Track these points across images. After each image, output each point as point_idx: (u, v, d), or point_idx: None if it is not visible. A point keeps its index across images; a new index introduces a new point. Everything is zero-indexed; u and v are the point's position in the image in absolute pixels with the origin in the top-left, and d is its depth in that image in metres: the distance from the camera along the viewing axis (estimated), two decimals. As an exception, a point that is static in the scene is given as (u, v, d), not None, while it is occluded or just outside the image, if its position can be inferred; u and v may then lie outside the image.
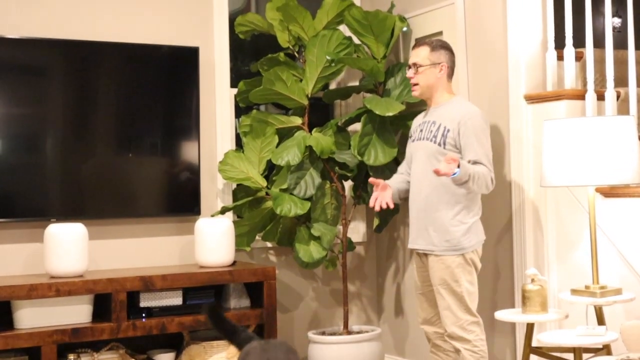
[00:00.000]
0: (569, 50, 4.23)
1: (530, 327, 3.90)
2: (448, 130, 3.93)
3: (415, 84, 4.08)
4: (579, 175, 3.65)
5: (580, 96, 4.14)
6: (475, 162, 3.82)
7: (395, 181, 4.20)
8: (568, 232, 4.12)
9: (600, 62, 4.29)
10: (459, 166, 3.68)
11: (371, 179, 4.09)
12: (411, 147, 4.16)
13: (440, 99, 4.06)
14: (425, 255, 4.04)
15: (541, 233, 4.24)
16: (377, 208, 4.06)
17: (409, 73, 4.09)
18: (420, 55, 4.06)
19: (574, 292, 3.74)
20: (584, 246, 3.97)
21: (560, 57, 4.28)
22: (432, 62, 4.03)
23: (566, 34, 4.23)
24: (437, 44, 4.08)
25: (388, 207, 4.07)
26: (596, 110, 4.12)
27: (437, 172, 3.68)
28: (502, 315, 3.94)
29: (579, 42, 4.27)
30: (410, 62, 4.09)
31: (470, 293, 3.92)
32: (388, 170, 4.68)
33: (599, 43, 4.24)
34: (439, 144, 3.95)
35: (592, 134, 3.64)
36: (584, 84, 4.31)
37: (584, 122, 3.70)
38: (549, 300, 3.95)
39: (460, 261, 3.91)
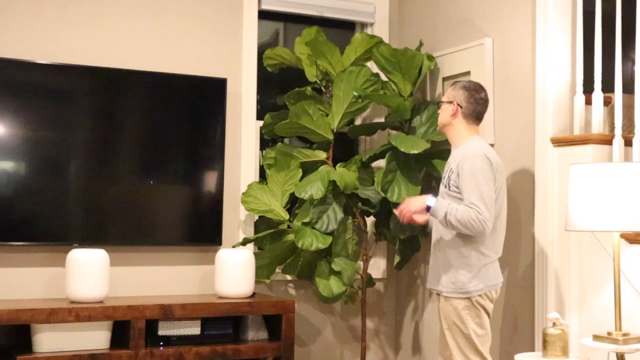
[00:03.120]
0: (598, 94, 4.22)
1: (550, 372, 3.86)
2: (452, 172, 3.94)
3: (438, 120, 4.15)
4: (604, 221, 3.63)
5: (608, 141, 4.13)
6: (467, 205, 3.81)
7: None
8: (591, 277, 4.09)
9: (628, 108, 4.28)
10: (427, 208, 3.86)
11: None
12: None
13: (457, 140, 4.05)
14: (438, 295, 4.03)
15: (564, 277, 4.21)
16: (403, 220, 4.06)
17: (438, 110, 4.16)
18: (446, 93, 4.10)
19: (596, 338, 3.70)
20: (607, 292, 3.94)
21: (588, 101, 4.28)
22: (448, 99, 4.06)
23: (595, 78, 4.23)
24: (461, 84, 4.08)
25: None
26: (623, 156, 4.10)
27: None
28: (522, 358, 3.90)
29: (607, 86, 4.26)
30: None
31: (478, 335, 3.88)
32: (411, 207, 4.67)
33: (627, 88, 4.23)
34: (445, 186, 3.97)
35: (618, 179, 3.62)
36: (611, 129, 4.30)
37: (610, 168, 3.69)
38: (570, 345, 3.91)
39: (466, 304, 3.88)
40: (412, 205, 3.94)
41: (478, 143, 3.99)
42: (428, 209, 3.89)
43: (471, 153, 3.90)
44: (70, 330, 4.22)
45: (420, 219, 3.98)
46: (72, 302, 4.33)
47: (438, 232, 4.03)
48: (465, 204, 3.80)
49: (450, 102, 4.03)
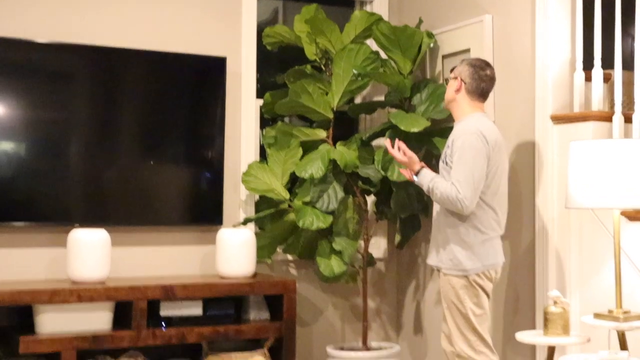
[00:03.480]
0: (597, 71, 4.21)
1: (551, 350, 3.88)
2: (448, 147, 3.96)
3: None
4: (604, 198, 3.63)
5: (608, 118, 4.12)
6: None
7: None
8: (591, 255, 4.09)
9: (628, 85, 4.27)
10: (417, 174, 3.97)
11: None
12: None
13: (460, 115, 4.05)
14: (438, 270, 4.04)
15: (564, 255, 4.21)
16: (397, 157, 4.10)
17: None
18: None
19: (597, 316, 3.71)
20: (608, 270, 3.94)
21: (588, 78, 4.26)
22: (454, 75, 4.07)
23: (595, 55, 4.21)
24: (467, 60, 4.09)
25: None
26: (623, 132, 4.09)
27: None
28: (523, 336, 3.92)
29: (607, 63, 4.25)
30: None
31: (476, 315, 3.89)
32: (412, 186, 4.67)
33: (627, 65, 4.21)
34: (443, 161, 4.00)
35: (618, 156, 3.62)
36: (611, 105, 4.29)
37: (610, 144, 3.68)
38: (570, 324, 3.92)
39: (464, 283, 3.89)
40: (412, 162, 4.01)
41: (477, 120, 3.98)
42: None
43: (467, 129, 3.90)
44: (73, 311, 4.23)
45: (406, 174, 4.07)
46: (74, 283, 4.35)
47: (435, 208, 4.06)
48: (449, 180, 3.83)
49: (456, 78, 4.04)
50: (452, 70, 4.13)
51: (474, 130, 3.88)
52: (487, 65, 4.06)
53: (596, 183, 3.64)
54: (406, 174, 4.07)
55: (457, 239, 3.90)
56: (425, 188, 3.94)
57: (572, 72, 4.31)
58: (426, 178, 3.93)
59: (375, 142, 5.09)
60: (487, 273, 3.91)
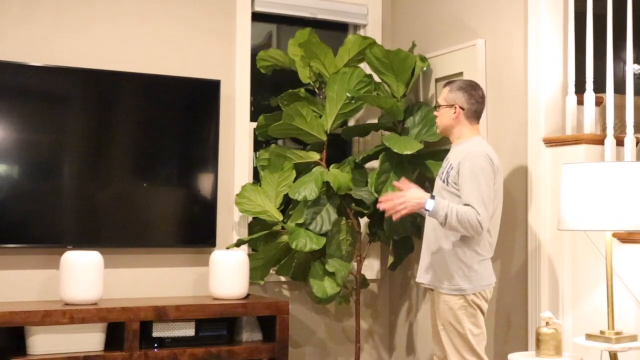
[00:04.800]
0: (589, 94, 4.25)
1: (543, 371, 3.88)
2: (452, 168, 3.94)
3: (437, 123, 4.13)
4: (596, 220, 3.64)
5: (600, 141, 4.15)
6: (465, 204, 3.81)
7: None
8: (584, 276, 4.11)
9: (619, 108, 4.30)
10: (427, 203, 3.77)
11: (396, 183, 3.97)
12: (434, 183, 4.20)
13: (459, 139, 4.06)
14: (432, 290, 4.05)
15: (557, 276, 4.23)
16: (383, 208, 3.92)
17: (435, 112, 4.15)
18: (442, 95, 4.11)
19: (589, 337, 3.72)
20: (600, 291, 3.96)
21: (580, 102, 4.30)
22: (447, 103, 4.05)
23: (587, 79, 4.25)
24: (457, 85, 4.08)
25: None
26: (615, 155, 4.12)
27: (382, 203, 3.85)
28: (515, 357, 3.91)
29: (599, 87, 4.28)
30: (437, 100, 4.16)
31: (474, 335, 3.90)
32: (404, 208, 4.68)
33: (619, 89, 4.25)
34: (444, 181, 3.98)
35: (610, 179, 3.64)
36: (603, 129, 4.32)
37: (602, 167, 3.70)
38: (563, 344, 3.93)
39: (462, 303, 3.89)
40: (413, 198, 3.81)
41: (481, 142, 4.01)
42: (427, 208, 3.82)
43: (474, 152, 3.90)
44: (65, 332, 4.23)
45: (406, 210, 3.84)
46: (67, 304, 4.34)
47: (434, 230, 4.01)
48: (463, 202, 3.81)
49: (451, 106, 4.04)
50: (445, 90, 4.11)
51: (482, 152, 3.90)
52: (477, 85, 4.09)
53: (588, 205, 3.66)
54: (407, 210, 3.83)
55: (455, 259, 3.90)
56: (441, 215, 3.77)
57: (564, 96, 4.35)
58: (441, 205, 3.77)
59: (368, 165, 5.11)
60: (484, 293, 3.92)
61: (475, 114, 4.05)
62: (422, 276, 4.09)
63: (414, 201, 3.82)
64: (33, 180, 4.61)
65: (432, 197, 3.82)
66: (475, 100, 4.03)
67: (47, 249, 4.61)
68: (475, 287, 3.89)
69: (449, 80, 4.23)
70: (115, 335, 4.35)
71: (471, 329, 3.89)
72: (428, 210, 3.80)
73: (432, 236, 4.02)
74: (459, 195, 3.86)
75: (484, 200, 3.80)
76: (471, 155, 3.89)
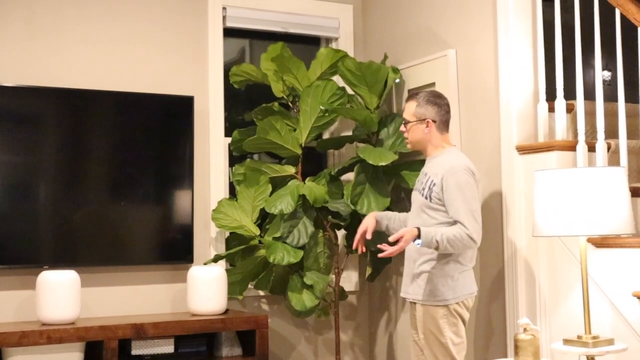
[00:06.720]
0: (560, 102, 4.29)
1: (522, 377, 3.89)
2: (434, 184, 3.95)
3: (406, 138, 4.14)
4: (570, 226, 3.67)
5: (571, 147, 4.19)
6: (455, 221, 3.84)
7: (391, 215, 4.23)
8: (560, 282, 4.13)
9: (590, 114, 4.34)
10: (419, 236, 3.74)
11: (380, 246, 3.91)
12: (411, 196, 4.19)
13: (433, 152, 4.07)
14: (414, 304, 4.05)
15: (533, 283, 4.25)
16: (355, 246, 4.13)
17: (402, 127, 4.14)
18: (408, 110, 4.08)
19: (567, 342, 3.74)
20: (576, 296, 3.98)
21: (551, 109, 4.34)
22: (417, 118, 4.04)
23: (557, 86, 4.29)
24: (424, 99, 4.05)
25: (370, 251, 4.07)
26: (587, 161, 4.16)
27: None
28: (494, 365, 3.94)
29: (569, 94, 4.33)
30: (403, 116, 4.14)
31: (455, 344, 3.91)
32: (381, 219, 4.69)
33: (589, 95, 4.30)
34: (426, 197, 3.98)
35: (583, 184, 3.66)
36: (575, 135, 4.36)
37: (575, 173, 3.73)
38: (541, 350, 3.94)
39: (444, 312, 3.91)
40: (408, 241, 3.78)
41: (457, 155, 4.03)
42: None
43: (455, 166, 3.91)
44: (43, 352, 4.20)
45: (396, 247, 3.82)
46: (44, 325, 4.31)
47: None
48: (452, 218, 3.83)
49: (422, 120, 4.03)
50: (411, 105, 4.08)
51: (463, 166, 3.92)
52: (441, 94, 4.13)
53: (562, 211, 3.69)
54: (396, 248, 3.79)
55: (438, 270, 3.92)
56: (433, 245, 3.78)
57: (536, 104, 4.39)
58: (430, 234, 3.77)
59: (344, 177, 5.12)
60: (466, 302, 3.95)
61: (445, 124, 4.07)
62: (405, 290, 4.10)
63: (410, 238, 3.78)
64: (8, 201, 4.59)
65: (419, 230, 3.78)
66: (444, 111, 4.06)
67: (23, 269, 4.59)
68: (458, 296, 3.91)
69: (410, 94, 4.21)
70: (94, 354, 4.33)
71: (452, 338, 3.90)
72: (419, 244, 3.80)
73: (414, 250, 4.02)
74: (445, 211, 3.88)
75: (473, 213, 3.83)
76: (453, 170, 3.90)
